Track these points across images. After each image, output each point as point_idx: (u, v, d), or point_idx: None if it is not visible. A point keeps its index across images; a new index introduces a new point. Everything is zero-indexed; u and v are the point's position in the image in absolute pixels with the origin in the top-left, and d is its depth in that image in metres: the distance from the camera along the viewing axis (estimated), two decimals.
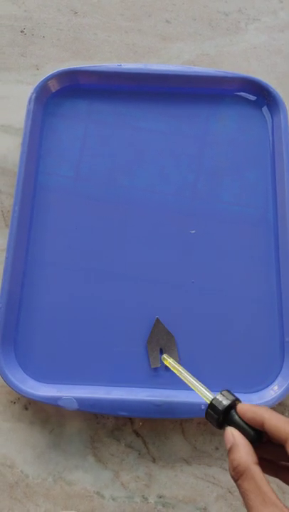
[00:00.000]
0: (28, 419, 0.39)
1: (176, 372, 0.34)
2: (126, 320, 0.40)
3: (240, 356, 0.39)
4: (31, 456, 0.38)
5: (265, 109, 0.47)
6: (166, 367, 0.38)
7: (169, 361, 0.36)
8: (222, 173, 0.45)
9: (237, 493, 0.37)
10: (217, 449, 0.38)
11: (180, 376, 0.33)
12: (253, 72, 0.51)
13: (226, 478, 0.37)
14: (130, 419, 0.38)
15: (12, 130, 0.48)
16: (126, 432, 0.38)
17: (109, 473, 0.37)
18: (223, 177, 0.45)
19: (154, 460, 0.37)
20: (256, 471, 0.24)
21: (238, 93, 0.47)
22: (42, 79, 0.45)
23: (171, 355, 0.37)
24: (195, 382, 0.31)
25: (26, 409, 0.39)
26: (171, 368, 0.35)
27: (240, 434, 0.25)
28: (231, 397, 0.28)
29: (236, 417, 0.27)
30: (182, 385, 0.37)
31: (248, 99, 0.47)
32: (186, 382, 0.32)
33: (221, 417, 0.27)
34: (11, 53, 0.51)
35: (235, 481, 0.24)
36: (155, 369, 0.39)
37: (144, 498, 0.36)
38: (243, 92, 0.47)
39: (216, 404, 0.27)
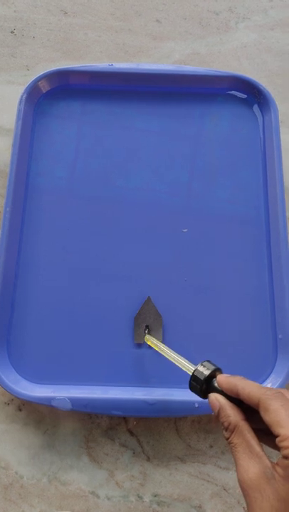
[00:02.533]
0: (22, 420, 0.38)
1: (157, 349, 0.36)
2: (119, 319, 0.40)
3: (234, 354, 0.39)
4: (26, 457, 0.38)
5: (256, 107, 0.47)
6: (159, 365, 0.38)
7: (151, 340, 0.37)
8: (215, 172, 0.45)
9: (232, 490, 0.37)
10: (211, 446, 0.38)
11: (162, 353, 0.35)
12: (244, 70, 0.51)
13: (221, 476, 0.37)
14: (124, 418, 0.38)
15: (3, 131, 0.48)
16: (120, 431, 0.38)
17: (104, 472, 0.37)
18: (216, 175, 0.45)
19: (148, 459, 0.37)
20: (245, 426, 0.26)
21: (230, 92, 0.48)
22: (32, 79, 0.45)
23: (155, 335, 0.38)
24: (177, 357, 0.33)
25: (20, 410, 0.39)
26: (153, 346, 0.37)
27: (224, 397, 0.27)
28: (212, 367, 0.29)
29: (218, 385, 0.28)
30: (176, 384, 0.37)
31: (239, 98, 0.48)
32: (169, 358, 0.34)
33: (204, 386, 0.28)
34: (1, 54, 0.51)
35: (227, 438, 0.26)
36: (149, 367, 0.38)
37: (139, 497, 0.36)
38: (235, 90, 0.48)
39: (198, 375, 0.29)
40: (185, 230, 0.43)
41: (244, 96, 0.47)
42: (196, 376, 0.29)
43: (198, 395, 0.29)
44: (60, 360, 0.39)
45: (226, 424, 0.26)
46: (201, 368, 0.29)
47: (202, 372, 0.29)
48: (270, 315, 0.40)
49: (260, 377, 0.38)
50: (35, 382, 0.38)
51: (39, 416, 0.38)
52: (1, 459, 0.37)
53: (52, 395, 0.36)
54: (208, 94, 0.47)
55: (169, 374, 0.38)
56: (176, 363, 0.33)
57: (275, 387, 0.37)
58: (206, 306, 0.40)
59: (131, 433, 0.38)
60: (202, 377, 0.28)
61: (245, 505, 0.36)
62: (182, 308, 0.40)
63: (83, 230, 0.43)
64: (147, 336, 0.38)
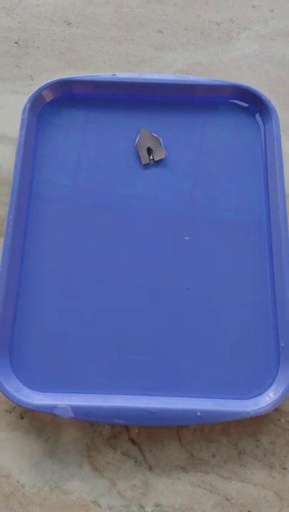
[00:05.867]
0: (24, 428, 0.38)
1: None
2: (122, 327, 0.40)
3: (235, 362, 0.39)
4: (27, 466, 0.37)
5: (257, 116, 0.48)
6: (162, 373, 0.38)
7: None
8: (217, 180, 0.45)
9: (234, 500, 0.36)
10: (214, 456, 0.38)
11: None
12: (245, 80, 0.51)
13: (223, 486, 0.37)
14: (126, 426, 0.38)
15: (7, 140, 0.48)
16: (122, 439, 0.38)
17: (106, 481, 0.37)
18: (218, 183, 0.45)
19: (150, 468, 0.37)
20: None
21: (232, 101, 0.48)
22: (36, 89, 0.46)
23: (157, 152, 0.45)
24: None
25: (22, 418, 0.39)
26: None
27: None
28: None
29: None
30: (178, 392, 0.37)
31: (241, 106, 0.48)
32: None
33: None
34: (5, 64, 0.52)
35: None
36: (152, 376, 0.38)
37: (141, 507, 0.36)
38: (236, 99, 0.48)
39: None
40: (187, 238, 0.43)
41: (246, 105, 0.48)
42: None
43: None
44: (63, 368, 0.39)
45: None
46: None
47: None
48: (272, 323, 0.40)
49: (262, 386, 0.38)
50: (38, 390, 0.38)
51: (41, 424, 0.38)
52: (3, 467, 0.37)
53: (54, 403, 0.36)
54: (210, 103, 0.48)
55: (172, 382, 0.38)
56: None
57: (277, 396, 0.37)
58: (208, 314, 0.40)
59: (133, 442, 0.38)
60: None
61: None
62: (184, 316, 0.40)
63: (86, 237, 0.43)
64: None
